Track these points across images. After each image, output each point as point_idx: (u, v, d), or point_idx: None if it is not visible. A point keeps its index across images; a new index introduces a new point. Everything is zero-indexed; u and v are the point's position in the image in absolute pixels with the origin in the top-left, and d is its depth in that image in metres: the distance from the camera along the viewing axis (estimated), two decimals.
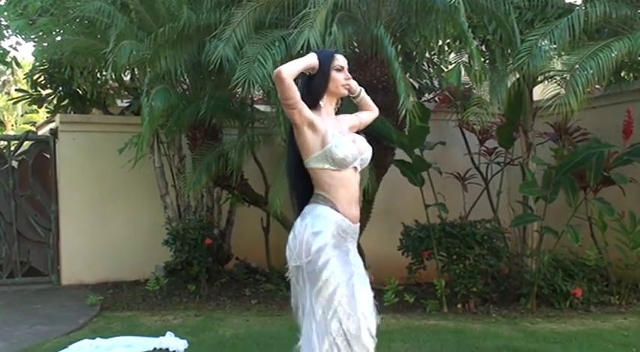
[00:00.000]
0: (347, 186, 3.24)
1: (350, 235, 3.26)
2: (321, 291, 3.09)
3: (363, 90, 3.56)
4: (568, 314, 6.49)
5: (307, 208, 3.25)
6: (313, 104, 3.21)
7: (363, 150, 3.31)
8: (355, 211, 3.28)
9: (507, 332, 5.79)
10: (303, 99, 3.12)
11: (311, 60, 3.20)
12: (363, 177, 6.39)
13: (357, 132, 3.46)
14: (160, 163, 8.51)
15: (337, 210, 3.19)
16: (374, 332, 3.20)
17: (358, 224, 3.33)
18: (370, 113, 3.64)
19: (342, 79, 3.31)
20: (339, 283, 3.10)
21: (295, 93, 3.08)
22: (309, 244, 3.12)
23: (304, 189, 3.30)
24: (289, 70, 3.06)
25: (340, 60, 3.32)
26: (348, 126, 3.41)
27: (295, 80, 3.12)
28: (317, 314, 3.09)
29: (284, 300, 7.22)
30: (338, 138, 3.19)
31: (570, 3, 7.38)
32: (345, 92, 3.38)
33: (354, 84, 3.43)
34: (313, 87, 3.24)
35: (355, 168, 3.27)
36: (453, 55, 8.94)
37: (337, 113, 3.40)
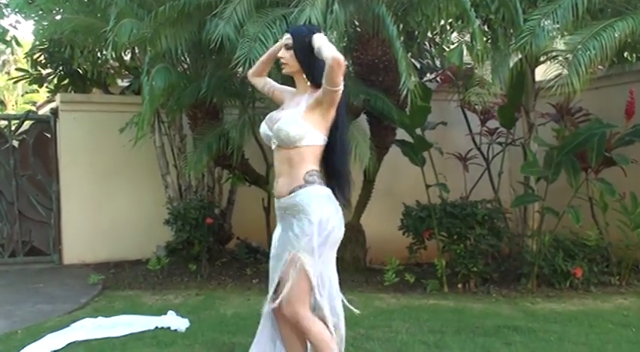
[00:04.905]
0: None
1: None
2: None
3: None
4: (568, 294, 6.51)
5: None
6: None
7: None
8: None
9: (507, 312, 5.81)
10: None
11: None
12: (364, 157, 6.44)
13: None
14: (160, 143, 8.48)
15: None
16: None
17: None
18: None
19: None
20: None
21: None
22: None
23: None
24: None
25: None
26: None
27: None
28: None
29: None
30: None
31: None
32: None
33: None
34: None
35: None
36: (454, 34, 8.85)
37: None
